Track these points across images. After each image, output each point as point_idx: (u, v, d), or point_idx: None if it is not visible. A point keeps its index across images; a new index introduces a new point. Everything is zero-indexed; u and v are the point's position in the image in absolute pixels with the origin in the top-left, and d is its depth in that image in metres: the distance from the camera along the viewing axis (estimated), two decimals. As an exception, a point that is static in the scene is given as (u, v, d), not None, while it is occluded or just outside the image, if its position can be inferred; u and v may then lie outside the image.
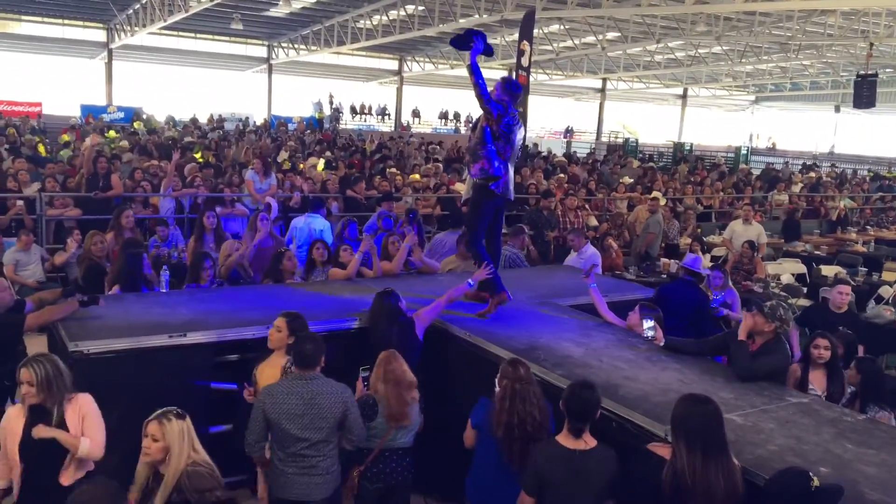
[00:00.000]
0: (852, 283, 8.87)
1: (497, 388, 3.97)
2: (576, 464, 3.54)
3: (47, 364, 3.81)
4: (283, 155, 17.02)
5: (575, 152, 27.35)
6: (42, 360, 3.83)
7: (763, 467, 3.32)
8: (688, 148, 31.46)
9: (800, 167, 25.68)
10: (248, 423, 4.04)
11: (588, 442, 3.60)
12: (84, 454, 3.76)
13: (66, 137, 19.31)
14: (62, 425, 3.79)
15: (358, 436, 4.13)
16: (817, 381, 4.98)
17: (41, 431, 3.71)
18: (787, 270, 11.29)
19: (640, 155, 28.81)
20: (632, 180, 16.23)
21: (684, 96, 45.48)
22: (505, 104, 5.20)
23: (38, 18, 29.49)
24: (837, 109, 34.42)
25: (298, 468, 3.99)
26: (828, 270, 11.05)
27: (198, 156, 15.59)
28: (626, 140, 34.39)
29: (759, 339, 4.54)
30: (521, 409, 3.82)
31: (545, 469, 3.60)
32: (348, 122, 35.94)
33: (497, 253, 5.93)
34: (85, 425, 3.82)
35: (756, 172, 23.44)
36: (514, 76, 17.49)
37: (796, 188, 19.20)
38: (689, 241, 11.28)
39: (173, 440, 3.28)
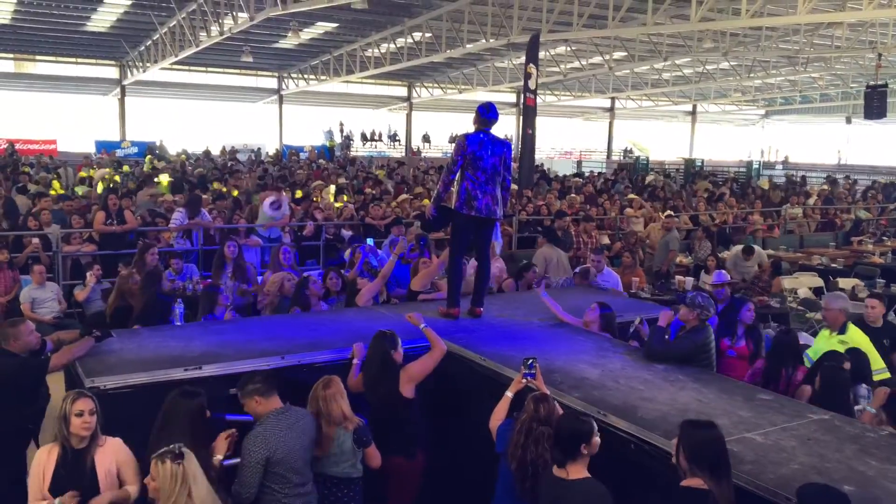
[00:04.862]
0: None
1: (517, 421, 3.94)
2: (558, 493, 3.50)
3: (94, 398, 3.86)
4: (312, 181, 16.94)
5: (592, 171, 27.24)
6: (91, 394, 3.89)
7: (787, 487, 3.27)
8: (699, 164, 31.38)
9: (800, 179, 25.52)
10: (240, 477, 3.91)
11: (572, 473, 3.50)
12: (132, 500, 3.80)
13: (82, 174, 19.55)
14: (93, 469, 3.81)
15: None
16: None
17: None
18: (803, 284, 11.19)
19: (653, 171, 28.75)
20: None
21: (694, 112, 45.45)
22: (465, 145, 5.83)
23: (52, 58, 29.97)
24: (849, 121, 34.25)
25: (303, 501, 4.02)
26: (845, 283, 10.94)
27: (215, 186, 15.76)
28: (637, 158, 34.36)
29: (687, 326, 5.10)
30: (533, 451, 3.77)
31: (541, 493, 3.64)
32: (359, 150, 36.18)
33: (486, 267, 6.38)
34: (127, 472, 3.87)
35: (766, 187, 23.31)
36: (522, 98, 17.60)
37: (811, 201, 19.09)
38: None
39: (163, 483, 3.22)
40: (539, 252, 9.58)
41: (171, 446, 3.33)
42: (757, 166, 31.20)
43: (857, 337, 6.11)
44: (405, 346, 4.99)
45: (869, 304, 6.84)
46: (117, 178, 17.59)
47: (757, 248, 11.75)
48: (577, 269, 8.81)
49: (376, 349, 4.77)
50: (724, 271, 8.61)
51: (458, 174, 5.93)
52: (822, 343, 6.20)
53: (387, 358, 4.74)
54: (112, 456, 3.88)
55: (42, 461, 3.83)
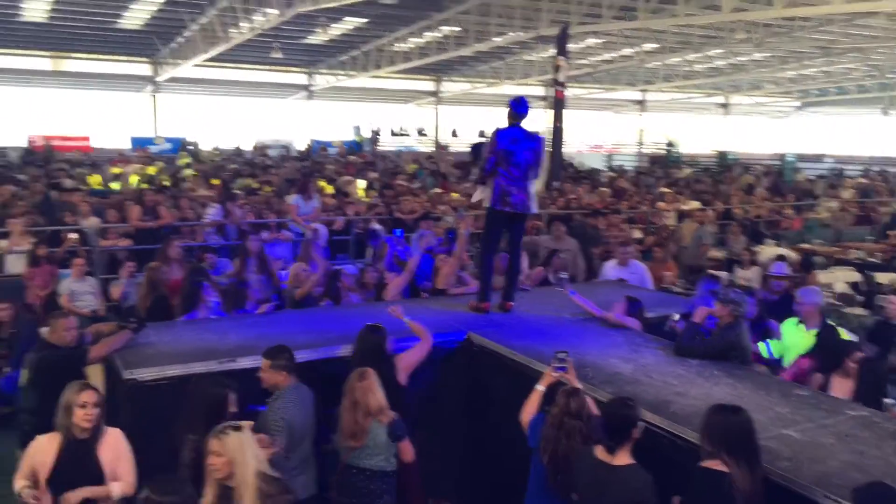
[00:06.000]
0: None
1: (549, 415, 3.95)
2: (601, 476, 3.54)
3: (99, 391, 3.90)
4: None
5: (621, 165, 26.96)
6: (95, 386, 3.94)
7: (826, 484, 3.23)
8: (732, 157, 30.90)
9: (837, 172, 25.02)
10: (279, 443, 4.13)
11: (618, 459, 3.55)
12: (122, 495, 3.83)
13: (116, 170, 19.80)
14: (97, 460, 3.85)
15: None
16: (841, 390, 4.87)
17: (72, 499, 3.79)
18: (840, 279, 10.98)
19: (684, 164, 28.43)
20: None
21: (726, 105, 44.83)
22: (496, 141, 5.79)
23: (86, 55, 30.44)
24: (885, 112, 33.54)
25: (306, 468, 4.31)
26: (883, 278, 10.71)
27: (248, 181, 15.91)
28: (669, 151, 33.89)
29: (721, 323, 4.99)
30: (564, 444, 3.79)
31: (578, 474, 3.69)
32: (386, 145, 36.23)
33: (517, 261, 6.31)
34: (123, 466, 3.89)
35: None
36: (552, 92, 17.46)
37: (846, 193, 18.75)
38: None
39: (235, 452, 3.32)
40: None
41: (226, 423, 3.47)
42: (791, 159, 30.55)
43: None
44: (440, 340, 5.08)
45: (889, 301, 6.73)
46: (151, 170, 17.78)
47: (787, 252, 11.55)
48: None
49: (369, 342, 4.82)
50: (783, 263, 8.46)
51: (491, 171, 5.89)
52: (796, 337, 5.90)
53: (382, 349, 4.82)
54: (114, 446, 3.92)
55: (41, 448, 3.84)
